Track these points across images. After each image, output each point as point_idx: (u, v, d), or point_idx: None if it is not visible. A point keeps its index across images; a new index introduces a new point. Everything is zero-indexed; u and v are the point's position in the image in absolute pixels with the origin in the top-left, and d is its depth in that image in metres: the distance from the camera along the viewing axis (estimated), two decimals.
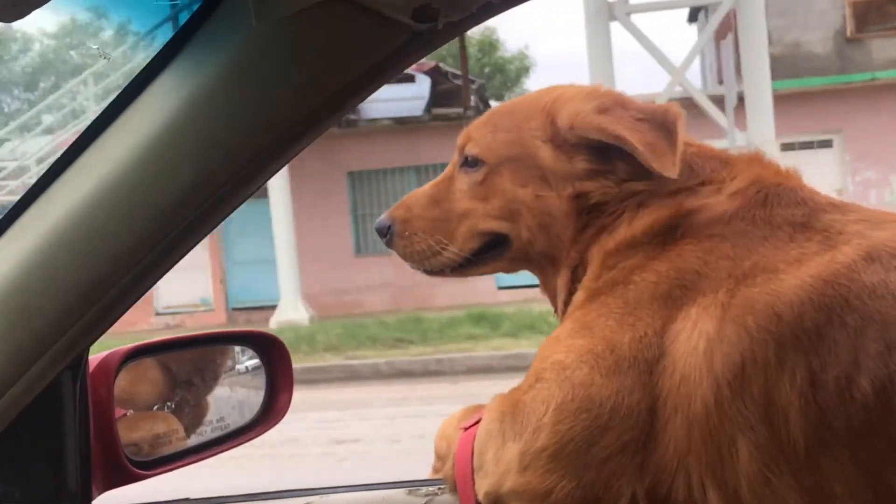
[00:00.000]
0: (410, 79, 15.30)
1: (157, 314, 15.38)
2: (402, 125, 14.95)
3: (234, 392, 1.31)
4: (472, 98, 15.29)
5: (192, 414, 1.29)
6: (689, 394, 0.79)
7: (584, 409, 0.81)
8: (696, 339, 0.80)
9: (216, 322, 14.93)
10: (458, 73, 15.84)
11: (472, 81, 16.49)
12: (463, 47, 15.64)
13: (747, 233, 0.87)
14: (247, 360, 1.35)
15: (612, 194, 0.98)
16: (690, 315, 0.82)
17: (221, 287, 15.72)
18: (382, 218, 1.17)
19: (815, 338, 0.75)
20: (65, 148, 0.78)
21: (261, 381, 1.29)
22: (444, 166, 1.20)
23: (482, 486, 0.88)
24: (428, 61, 14.79)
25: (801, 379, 0.75)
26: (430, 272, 1.14)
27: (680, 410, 0.79)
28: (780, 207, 0.88)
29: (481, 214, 1.08)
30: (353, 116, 13.99)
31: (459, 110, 14.44)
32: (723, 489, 0.78)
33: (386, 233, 1.15)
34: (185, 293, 15.19)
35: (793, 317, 0.76)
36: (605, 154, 0.99)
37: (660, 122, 0.98)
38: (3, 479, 0.92)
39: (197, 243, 0.83)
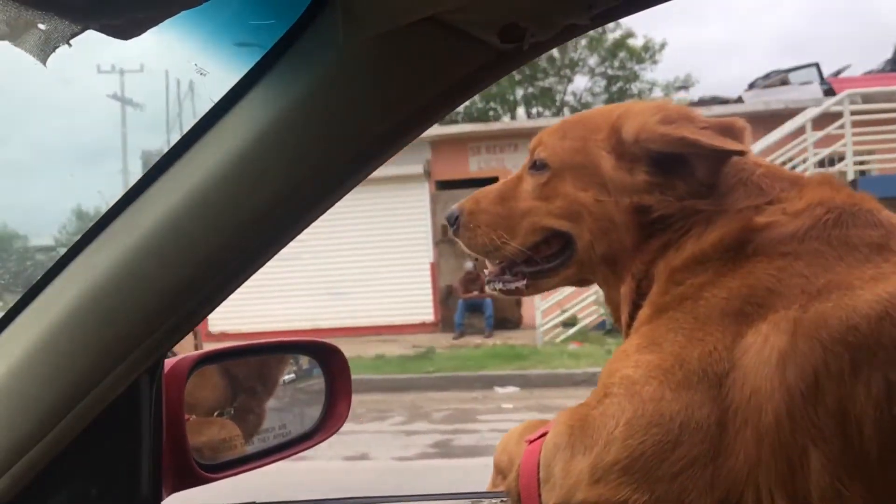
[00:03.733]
0: None
1: None
2: None
3: (295, 400, 1.34)
4: None
5: (251, 420, 1.32)
6: (759, 405, 0.79)
7: (655, 423, 0.82)
8: (769, 353, 0.80)
9: None
10: None
11: None
12: None
13: (822, 252, 0.87)
14: (284, 374, 1.40)
15: (672, 209, 1.00)
16: (761, 330, 0.83)
17: None
18: (453, 208, 1.22)
19: (892, 351, 0.75)
20: None
21: (293, 394, 1.34)
22: None
23: (550, 499, 0.88)
24: None
25: (878, 391, 0.75)
26: (506, 290, 1.17)
27: (750, 422, 0.79)
28: (855, 228, 0.88)
29: (543, 212, 1.12)
30: None
31: None
32: (793, 501, 0.77)
33: (454, 222, 1.20)
34: None
35: (869, 330, 0.76)
36: (666, 169, 1.01)
37: (724, 129, 1.02)
38: (83, 476, 0.95)
39: (277, 252, 0.85)
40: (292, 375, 1.39)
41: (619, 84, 25.19)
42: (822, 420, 0.76)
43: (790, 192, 0.97)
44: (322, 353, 1.28)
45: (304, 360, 1.30)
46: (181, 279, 0.80)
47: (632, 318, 1.01)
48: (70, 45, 0.53)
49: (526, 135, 12.21)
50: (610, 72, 24.93)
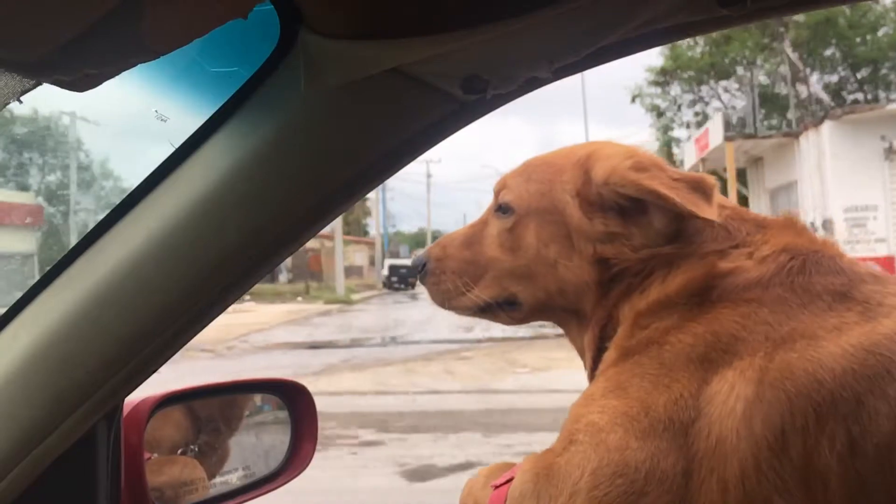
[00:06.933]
0: None
1: None
2: None
3: (260, 440, 1.32)
4: None
5: (215, 458, 1.30)
6: (725, 455, 0.79)
7: (620, 473, 0.81)
8: (734, 402, 0.80)
9: None
10: None
11: None
12: None
13: (785, 299, 0.87)
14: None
15: (629, 260, 0.98)
16: (727, 378, 0.82)
17: None
18: (420, 254, 1.19)
19: (854, 406, 0.76)
20: None
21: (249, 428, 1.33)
22: None
23: None
24: None
25: (841, 445, 0.75)
26: (459, 308, 1.15)
27: (716, 472, 0.79)
28: (818, 276, 0.89)
29: (506, 269, 1.10)
30: None
31: None
32: None
33: (421, 269, 1.17)
34: None
35: (833, 385, 0.77)
36: (626, 218, 1.00)
37: (696, 185, 0.99)
38: None
39: (238, 298, 0.84)
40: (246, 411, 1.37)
41: None
42: (788, 472, 0.76)
43: (755, 235, 0.97)
44: (288, 392, 1.27)
45: (258, 398, 1.28)
46: (139, 325, 0.79)
47: (595, 361, 1.01)
48: (20, 101, 0.52)
49: None
50: None
